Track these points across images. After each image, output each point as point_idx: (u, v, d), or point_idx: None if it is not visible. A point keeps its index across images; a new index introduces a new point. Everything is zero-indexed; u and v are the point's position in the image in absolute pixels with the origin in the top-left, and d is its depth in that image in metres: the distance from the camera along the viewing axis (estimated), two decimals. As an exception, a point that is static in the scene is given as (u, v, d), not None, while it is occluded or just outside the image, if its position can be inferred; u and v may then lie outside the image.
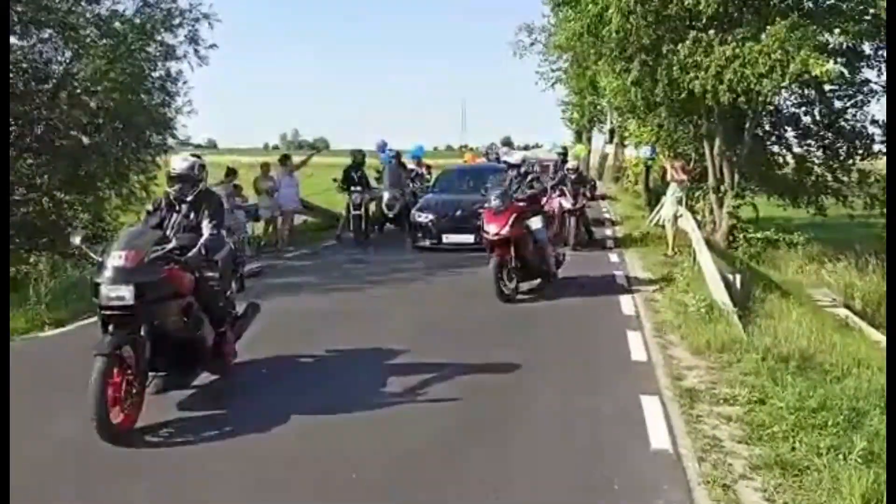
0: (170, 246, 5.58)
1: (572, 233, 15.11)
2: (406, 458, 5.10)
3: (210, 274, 6.14)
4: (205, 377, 6.38)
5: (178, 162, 6.35)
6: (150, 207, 6.37)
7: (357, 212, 16.04)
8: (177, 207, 6.25)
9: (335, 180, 16.81)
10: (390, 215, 17.48)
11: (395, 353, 7.45)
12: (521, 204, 10.41)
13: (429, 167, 23.08)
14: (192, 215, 6.21)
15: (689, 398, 6.18)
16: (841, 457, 4.91)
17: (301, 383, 6.75)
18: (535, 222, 10.57)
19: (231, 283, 6.77)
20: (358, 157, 16.92)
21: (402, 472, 4.92)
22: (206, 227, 6.10)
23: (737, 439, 5.39)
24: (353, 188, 16.21)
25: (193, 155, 6.57)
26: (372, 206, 16.85)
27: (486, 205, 10.43)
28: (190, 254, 5.78)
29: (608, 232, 18.56)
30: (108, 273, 5.30)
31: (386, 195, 17.52)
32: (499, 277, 9.99)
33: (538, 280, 10.75)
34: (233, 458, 5.09)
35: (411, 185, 19.29)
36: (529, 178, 11.08)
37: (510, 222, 10.02)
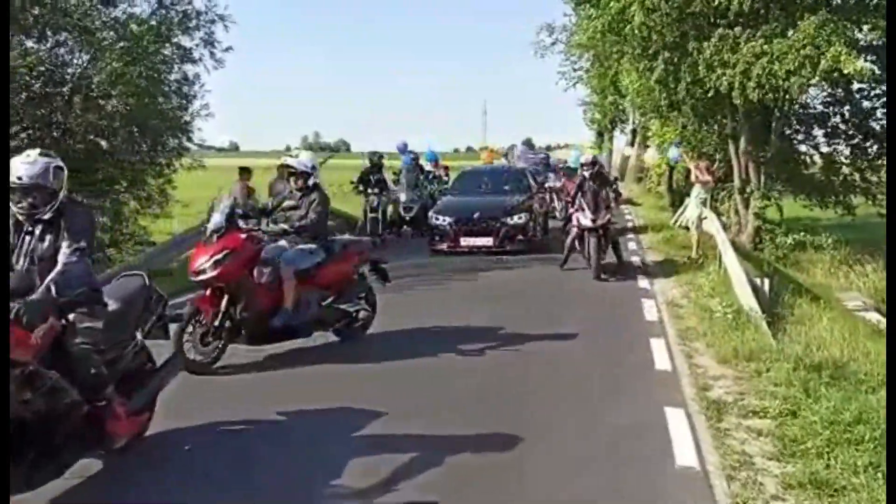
0: None
1: (594, 257, 11.75)
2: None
3: (87, 325, 4.46)
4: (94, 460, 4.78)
5: (23, 165, 4.39)
6: None
7: (374, 214, 15.82)
8: (28, 228, 4.50)
9: (352, 182, 16.59)
10: (407, 218, 17.37)
11: (372, 414, 5.76)
12: (242, 234, 7.15)
13: (446, 168, 22.88)
14: (48, 239, 4.47)
15: (717, 410, 5.88)
16: (880, 475, 4.61)
17: (230, 470, 4.89)
18: (295, 256, 7.49)
19: (136, 331, 5.01)
20: (374, 160, 16.62)
21: None
22: (63, 255, 4.35)
23: (768, 456, 5.10)
24: (369, 190, 16.02)
25: (44, 154, 4.55)
26: (389, 209, 16.67)
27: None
28: (32, 297, 4.01)
29: (630, 235, 18.20)
30: None
31: (403, 197, 17.39)
32: (182, 339, 6.61)
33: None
34: None
35: (429, 186, 19.10)
36: (312, 196, 7.71)
37: (219, 257, 6.88)
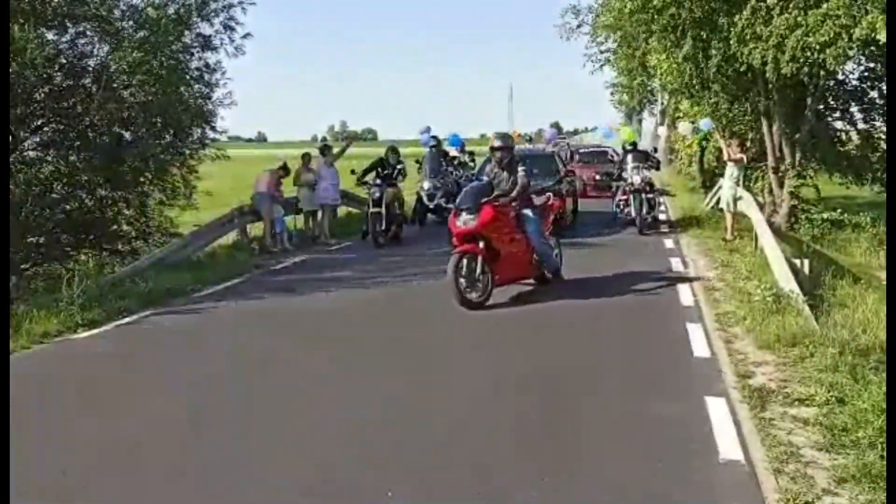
0: None
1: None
2: None
3: None
4: None
5: None
6: None
7: (375, 209, 14.15)
8: None
9: (353, 172, 15.27)
10: (431, 206, 16.82)
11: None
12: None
13: (472, 154, 22.60)
14: None
15: (760, 399, 5.61)
16: (941, 467, 4.33)
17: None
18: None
19: None
20: (388, 153, 15.46)
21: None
22: None
23: (817, 447, 4.82)
24: (369, 181, 14.59)
25: None
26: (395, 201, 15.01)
27: None
28: None
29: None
30: None
31: (426, 185, 16.94)
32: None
33: None
34: None
35: (453, 173, 18.78)
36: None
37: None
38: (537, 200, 9.95)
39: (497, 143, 9.77)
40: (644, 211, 15.13)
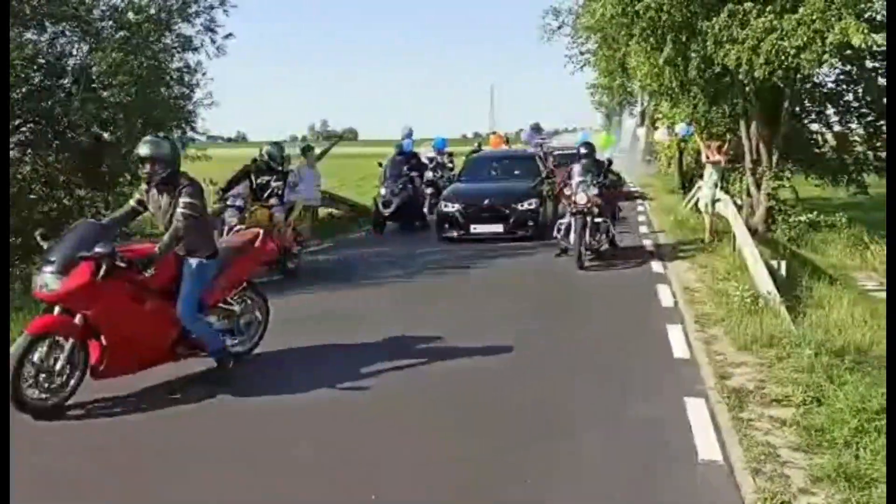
0: None
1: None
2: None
3: None
4: None
5: None
6: None
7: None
8: None
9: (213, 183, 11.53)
10: (386, 213, 16.05)
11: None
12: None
13: (451, 155, 22.64)
14: None
15: (738, 399, 5.68)
16: (912, 466, 4.43)
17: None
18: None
19: None
20: (265, 156, 11.19)
21: None
22: None
23: (793, 447, 4.90)
24: (229, 202, 10.40)
25: None
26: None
27: None
28: None
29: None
30: None
31: (382, 191, 16.22)
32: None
33: None
34: None
35: (431, 174, 18.66)
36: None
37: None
38: (234, 237, 7.25)
39: (144, 151, 6.12)
40: (586, 240, 11.40)
